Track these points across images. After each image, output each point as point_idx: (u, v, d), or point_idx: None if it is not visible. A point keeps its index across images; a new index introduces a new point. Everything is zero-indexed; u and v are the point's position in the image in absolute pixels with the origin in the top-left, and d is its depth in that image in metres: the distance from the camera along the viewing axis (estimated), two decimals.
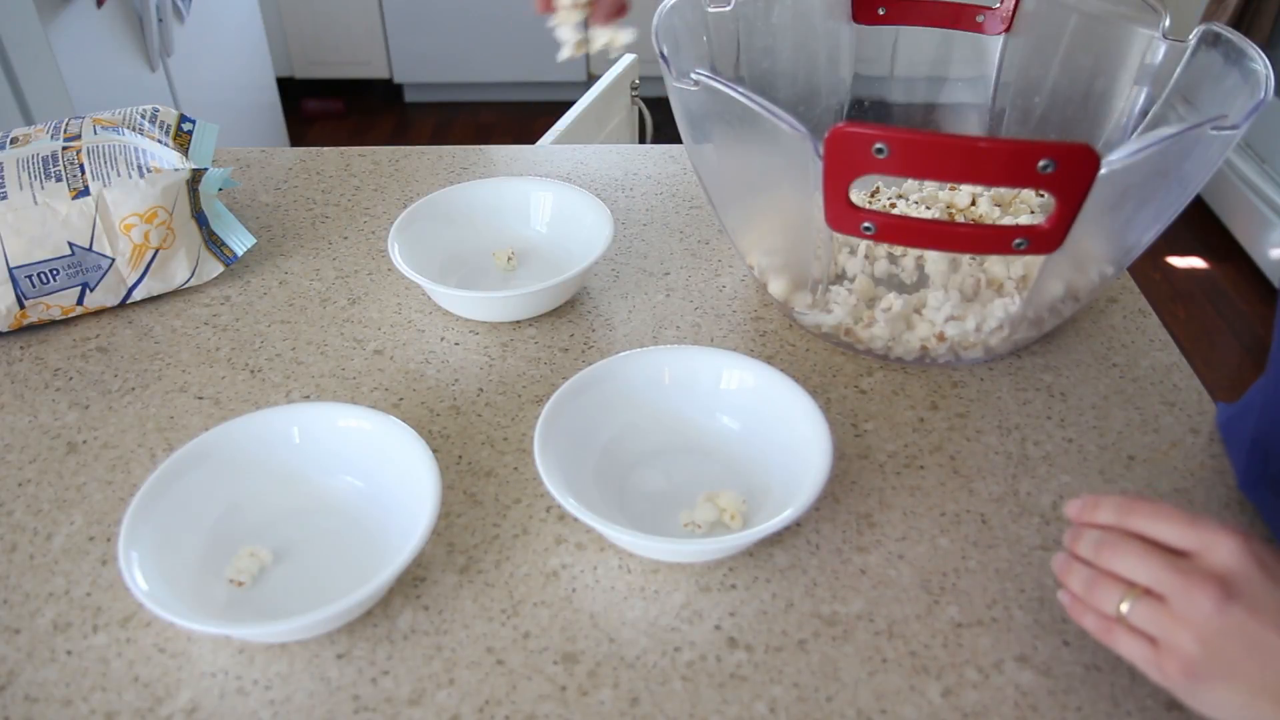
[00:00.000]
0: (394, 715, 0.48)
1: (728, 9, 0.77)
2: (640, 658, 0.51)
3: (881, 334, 0.68)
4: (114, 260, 0.71)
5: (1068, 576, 0.47)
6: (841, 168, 0.54)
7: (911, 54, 0.85)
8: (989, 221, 0.78)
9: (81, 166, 0.71)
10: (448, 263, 0.76)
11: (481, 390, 0.67)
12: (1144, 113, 0.74)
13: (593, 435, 0.60)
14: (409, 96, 3.06)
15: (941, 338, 0.67)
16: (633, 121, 1.47)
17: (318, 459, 0.58)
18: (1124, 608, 0.44)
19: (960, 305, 0.67)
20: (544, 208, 0.80)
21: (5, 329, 0.71)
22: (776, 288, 0.73)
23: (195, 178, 0.75)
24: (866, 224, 0.56)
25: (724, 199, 0.72)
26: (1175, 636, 0.42)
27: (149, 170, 0.72)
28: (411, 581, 0.54)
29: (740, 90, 0.58)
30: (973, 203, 0.79)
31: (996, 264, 0.70)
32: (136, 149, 0.74)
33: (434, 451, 0.56)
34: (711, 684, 0.50)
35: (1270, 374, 0.58)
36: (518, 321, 0.74)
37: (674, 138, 0.78)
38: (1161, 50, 0.72)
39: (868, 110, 0.87)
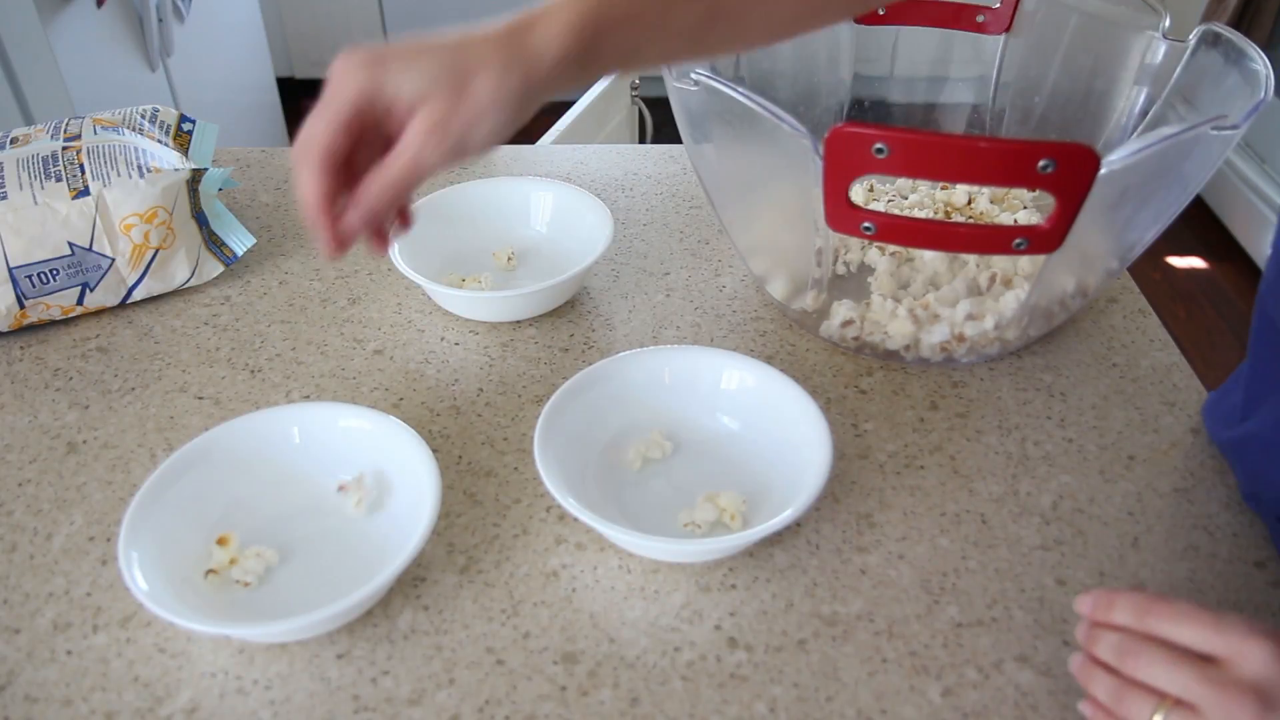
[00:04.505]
0: (394, 715, 0.48)
1: None
2: (640, 658, 0.51)
3: (904, 330, 0.68)
4: (114, 260, 0.71)
5: (1091, 684, 0.45)
6: (841, 168, 0.54)
7: (911, 54, 0.85)
8: (988, 218, 0.78)
9: (81, 166, 0.71)
10: (448, 263, 0.76)
11: (481, 390, 0.67)
12: (1144, 113, 0.74)
13: (593, 435, 0.60)
14: None
15: (961, 338, 0.67)
16: (633, 121, 1.47)
17: (318, 459, 0.58)
18: None
19: (977, 303, 0.67)
20: (544, 208, 0.80)
21: (5, 329, 0.71)
22: (776, 289, 0.73)
23: (195, 178, 0.75)
24: (866, 224, 0.56)
25: (724, 199, 0.72)
26: None
27: (149, 170, 0.72)
28: (411, 581, 0.54)
29: (740, 90, 0.58)
30: (969, 201, 0.79)
31: (1003, 260, 0.70)
32: (136, 149, 0.74)
33: (434, 451, 0.56)
34: (711, 684, 0.50)
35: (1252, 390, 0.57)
36: (518, 321, 0.74)
37: (674, 138, 0.78)
38: (1161, 50, 0.72)
39: (868, 110, 0.87)
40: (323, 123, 0.47)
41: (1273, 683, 0.39)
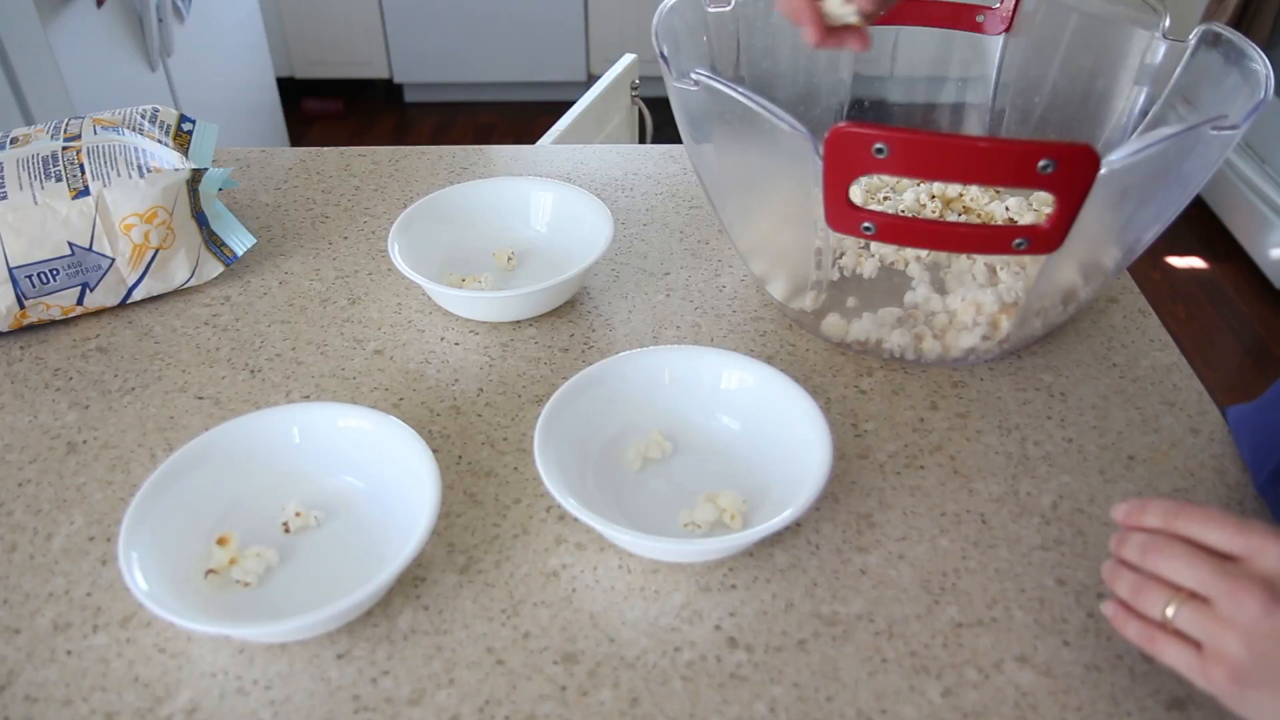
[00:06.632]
0: (394, 715, 0.48)
1: (728, 9, 0.77)
2: (640, 658, 0.51)
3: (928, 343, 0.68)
4: (114, 260, 0.71)
5: (1115, 582, 0.46)
6: (841, 168, 0.54)
7: (911, 54, 0.85)
8: (981, 208, 0.79)
9: (81, 166, 0.71)
10: (448, 263, 0.76)
11: (481, 390, 0.67)
12: (1144, 113, 0.74)
13: (593, 435, 0.60)
14: (409, 96, 3.06)
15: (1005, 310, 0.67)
16: (633, 121, 1.47)
17: (318, 459, 0.58)
18: (1169, 612, 0.43)
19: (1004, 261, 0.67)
20: (544, 208, 0.80)
21: (5, 329, 0.71)
22: (776, 289, 0.73)
23: (195, 178, 0.75)
24: (866, 224, 0.56)
25: (724, 199, 0.72)
26: (1221, 641, 0.41)
27: (149, 170, 0.72)
28: (411, 581, 0.54)
29: (740, 90, 0.58)
30: (959, 195, 0.79)
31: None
32: (136, 149, 0.74)
33: (434, 451, 0.56)
34: (711, 684, 0.50)
35: None
36: (518, 321, 0.74)
37: (674, 138, 0.78)
38: (1161, 50, 0.72)
39: (868, 110, 0.87)
40: None
41: None
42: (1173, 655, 0.43)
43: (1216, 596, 0.41)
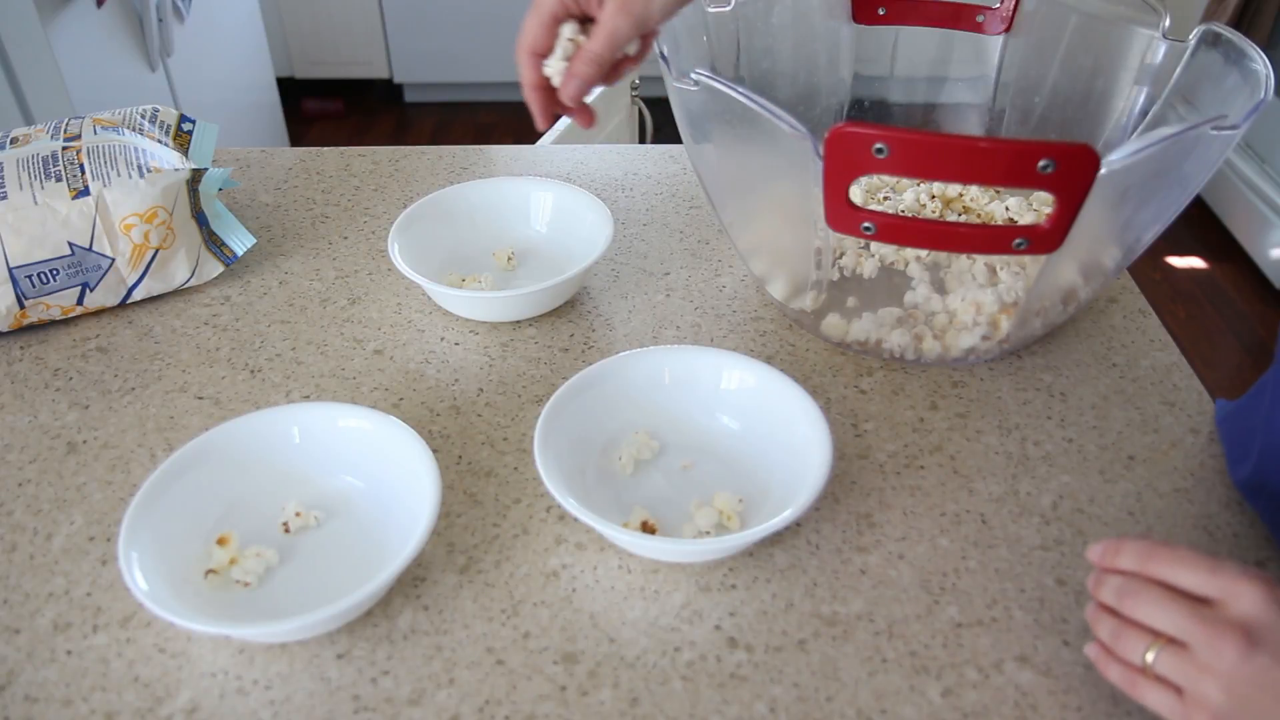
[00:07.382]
0: (394, 715, 0.48)
1: (728, 9, 0.77)
2: (640, 658, 0.51)
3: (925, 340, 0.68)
4: (114, 260, 0.71)
5: (1096, 625, 0.47)
6: (841, 168, 0.54)
7: (911, 54, 0.85)
8: (981, 207, 0.79)
9: (81, 166, 0.71)
10: (448, 263, 0.76)
11: (481, 390, 0.67)
12: (1144, 113, 0.74)
13: (592, 435, 0.60)
14: (409, 96, 3.05)
15: (1001, 312, 0.67)
16: (633, 121, 1.47)
17: (318, 459, 0.58)
18: (1149, 658, 0.43)
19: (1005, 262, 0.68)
20: (544, 208, 0.80)
21: (5, 329, 0.71)
22: (776, 289, 0.73)
23: (195, 178, 0.75)
24: (866, 224, 0.56)
25: (724, 199, 0.72)
26: (1201, 686, 0.41)
27: (149, 170, 0.72)
28: (411, 581, 0.54)
29: (740, 90, 0.58)
30: (959, 195, 0.79)
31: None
32: (136, 149, 0.74)
33: (434, 451, 0.56)
34: (711, 684, 0.50)
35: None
36: (518, 321, 0.74)
37: (674, 138, 0.78)
38: (1161, 50, 0.72)
39: (868, 110, 0.87)
40: (531, 24, 0.61)
41: (1260, 622, 0.41)
42: (1154, 700, 0.44)
43: (1194, 643, 0.42)
